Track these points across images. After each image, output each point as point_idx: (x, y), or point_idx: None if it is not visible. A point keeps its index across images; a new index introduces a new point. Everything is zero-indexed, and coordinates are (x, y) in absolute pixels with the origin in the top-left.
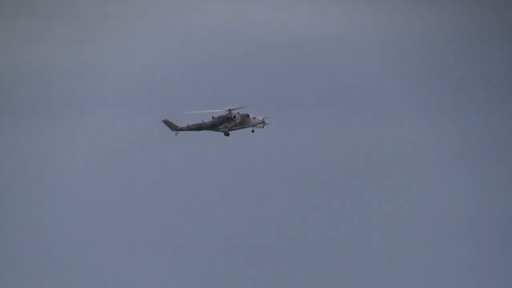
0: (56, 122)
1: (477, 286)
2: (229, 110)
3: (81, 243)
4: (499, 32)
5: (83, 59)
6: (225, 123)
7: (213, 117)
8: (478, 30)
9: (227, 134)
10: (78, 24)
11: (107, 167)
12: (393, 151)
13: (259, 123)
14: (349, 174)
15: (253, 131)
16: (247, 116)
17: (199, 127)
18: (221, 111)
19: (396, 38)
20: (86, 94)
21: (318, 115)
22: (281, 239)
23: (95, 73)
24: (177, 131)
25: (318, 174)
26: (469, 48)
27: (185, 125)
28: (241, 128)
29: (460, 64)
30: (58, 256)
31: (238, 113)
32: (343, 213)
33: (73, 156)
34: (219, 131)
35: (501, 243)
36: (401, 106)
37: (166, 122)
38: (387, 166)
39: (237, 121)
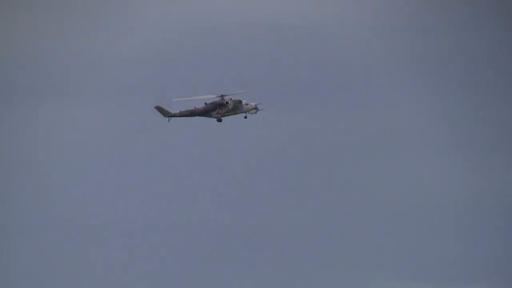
0: (47, 110)
1: (472, 277)
2: (222, 96)
3: (73, 228)
4: (498, 24)
5: (73, 47)
6: (217, 109)
7: (205, 103)
8: (475, 20)
9: (219, 120)
10: (68, 13)
11: (99, 154)
12: (388, 140)
13: (252, 109)
14: (343, 161)
15: (245, 117)
16: (240, 102)
17: (192, 113)
18: (213, 97)
19: (395, 29)
20: (77, 82)
21: (310, 101)
22: (274, 226)
23: (86, 61)
24: (169, 117)
25: (310, 160)
26: (466, 39)
27: (177, 111)
28: (233, 114)
29: (460, 56)
30: (52, 247)
31: (231, 99)
32: (338, 201)
33: (66, 144)
34: (211, 117)
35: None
36: (397, 94)
37: (159, 109)
38: (382, 154)
39: (230, 107)
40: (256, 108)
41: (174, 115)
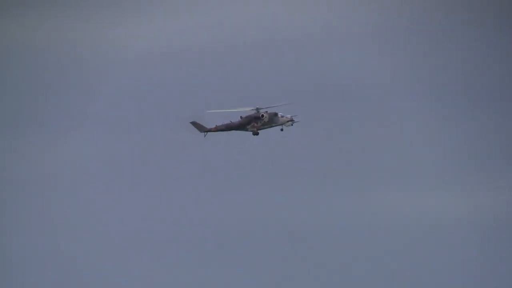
0: (79, 127)
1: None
2: (257, 109)
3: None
4: (501, 30)
5: (104, 61)
6: (253, 123)
7: (241, 117)
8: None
9: (256, 134)
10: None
11: (136, 170)
12: (425, 150)
13: (288, 121)
14: (379, 171)
15: (282, 130)
16: (275, 114)
17: (228, 127)
18: (248, 110)
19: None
20: (109, 98)
21: (347, 112)
22: (309, 238)
23: (120, 78)
24: (205, 132)
25: (347, 171)
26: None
27: (213, 126)
28: (269, 127)
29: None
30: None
31: (266, 112)
32: (372, 213)
33: (101, 161)
34: (247, 130)
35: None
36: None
37: (194, 124)
38: (421, 168)
39: (265, 120)
40: (292, 120)
41: (210, 130)
